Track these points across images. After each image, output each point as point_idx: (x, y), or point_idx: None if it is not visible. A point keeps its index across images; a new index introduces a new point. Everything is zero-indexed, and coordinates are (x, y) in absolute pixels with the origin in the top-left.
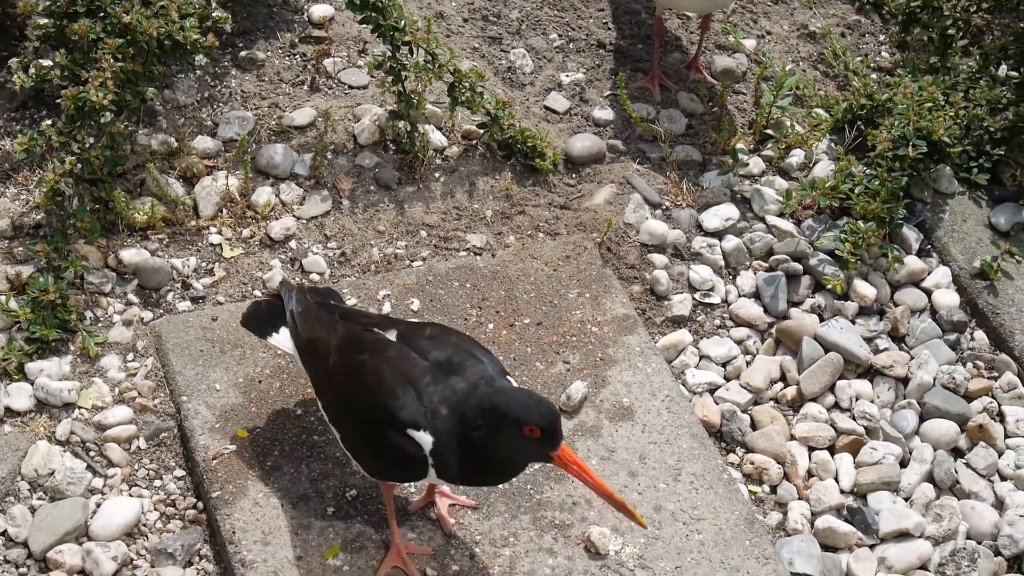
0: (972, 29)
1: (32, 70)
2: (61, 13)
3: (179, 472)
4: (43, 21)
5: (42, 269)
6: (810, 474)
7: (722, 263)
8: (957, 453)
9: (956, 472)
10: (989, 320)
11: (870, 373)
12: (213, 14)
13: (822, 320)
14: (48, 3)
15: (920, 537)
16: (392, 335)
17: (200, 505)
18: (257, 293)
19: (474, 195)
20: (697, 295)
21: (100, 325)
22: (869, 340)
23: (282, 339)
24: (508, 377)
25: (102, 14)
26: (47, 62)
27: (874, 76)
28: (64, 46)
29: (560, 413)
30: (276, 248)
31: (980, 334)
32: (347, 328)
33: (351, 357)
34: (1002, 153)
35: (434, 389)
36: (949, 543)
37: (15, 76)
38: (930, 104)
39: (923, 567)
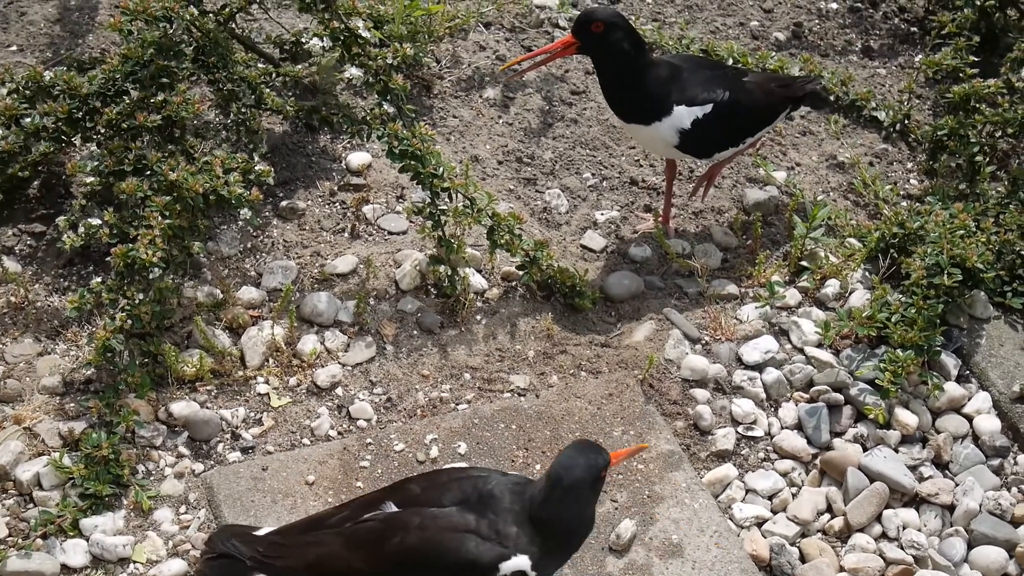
0: (998, 154)
1: (81, 229)
2: (108, 172)
3: None
4: (90, 180)
5: (94, 425)
6: None
7: (763, 396)
8: None
9: None
10: None
11: (916, 501)
12: (256, 167)
13: (865, 450)
14: (95, 163)
15: None
16: (391, 508)
17: None
18: (306, 441)
19: (516, 336)
20: (740, 428)
21: (152, 479)
22: (913, 468)
23: None
24: (508, 474)
25: (148, 172)
26: (95, 220)
27: (904, 204)
28: (110, 203)
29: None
30: (323, 396)
31: (1023, 458)
32: (335, 533)
33: (380, 549)
34: None
35: (477, 519)
36: None
37: (64, 236)
38: (962, 231)
39: None
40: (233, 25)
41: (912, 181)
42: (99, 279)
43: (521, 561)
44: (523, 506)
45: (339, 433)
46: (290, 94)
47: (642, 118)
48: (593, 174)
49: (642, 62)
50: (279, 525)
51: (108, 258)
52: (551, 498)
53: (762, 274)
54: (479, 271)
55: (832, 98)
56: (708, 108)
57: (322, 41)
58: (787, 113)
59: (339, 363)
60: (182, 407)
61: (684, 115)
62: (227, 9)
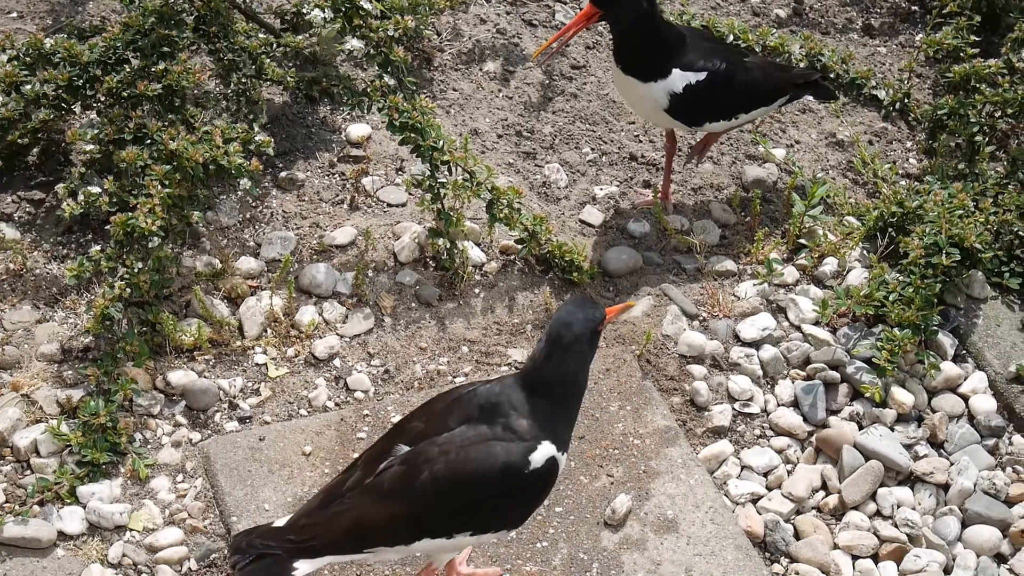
0: (998, 134)
1: (80, 197)
2: (108, 140)
3: None
4: (89, 147)
5: (92, 393)
6: None
7: (760, 373)
8: (1000, 559)
9: None
10: None
11: (911, 480)
12: (256, 138)
13: (861, 428)
14: (95, 131)
15: None
16: (403, 450)
17: None
18: (303, 412)
19: (514, 310)
20: (736, 405)
21: (149, 447)
22: (908, 447)
23: (306, 567)
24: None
25: (148, 141)
26: (95, 189)
27: (903, 183)
28: (110, 171)
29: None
30: (320, 367)
31: (1018, 438)
32: (360, 492)
33: (413, 487)
34: None
35: (490, 427)
36: None
37: (64, 203)
38: (960, 211)
39: None
40: None
41: (911, 160)
42: (98, 247)
43: (547, 447)
44: (520, 396)
45: (336, 404)
46: (291, 65)
47: (641, 74)
48: (593, 149)
49: (654, 20)
50: (286, 510)
51: (107, 226)
52: (551, 357)
53: (760, 251)
54: (478, 244)
55: (833, 76)
56: (702, 76)
57: (323, 12)
58: (787, 100)
59: (337, 334)
60: (180, 376)
61: (678, 79)
62: None
